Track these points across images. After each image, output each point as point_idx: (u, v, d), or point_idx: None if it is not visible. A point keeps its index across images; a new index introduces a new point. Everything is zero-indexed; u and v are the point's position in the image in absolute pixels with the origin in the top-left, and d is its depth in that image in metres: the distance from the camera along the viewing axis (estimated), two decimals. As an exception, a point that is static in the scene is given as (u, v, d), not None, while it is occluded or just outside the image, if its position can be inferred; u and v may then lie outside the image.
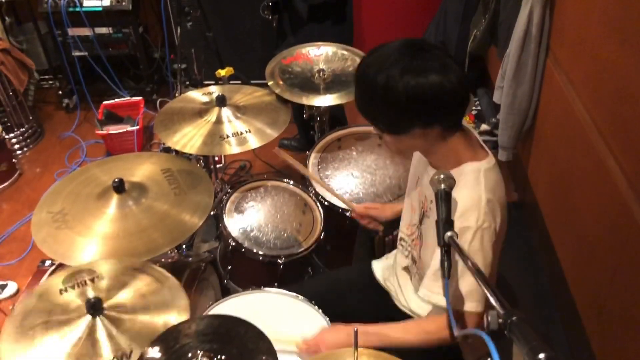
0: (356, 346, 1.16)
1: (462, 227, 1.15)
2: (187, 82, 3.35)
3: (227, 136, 1.94)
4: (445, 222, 1.05)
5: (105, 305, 1.29)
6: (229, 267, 1.92)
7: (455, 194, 1.15)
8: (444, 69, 1.12)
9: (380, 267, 1.64)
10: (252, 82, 2.92)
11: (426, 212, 1.33)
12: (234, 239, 1.83)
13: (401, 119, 1.18)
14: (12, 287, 2.42)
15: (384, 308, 1.56)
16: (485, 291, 0.92)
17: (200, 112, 2.05)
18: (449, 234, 1.04)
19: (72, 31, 3.32)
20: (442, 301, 1.20)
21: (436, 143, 1.22)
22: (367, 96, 1.19)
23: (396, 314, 1.54)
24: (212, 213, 2.08)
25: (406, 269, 1.51)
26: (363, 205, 1.70)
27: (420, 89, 1.11)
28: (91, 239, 1.53)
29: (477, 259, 1.18)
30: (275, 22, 2.67)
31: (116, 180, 1.62)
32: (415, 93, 1.12)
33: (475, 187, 1.18)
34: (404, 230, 1.49)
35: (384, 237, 1.79)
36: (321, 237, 1.86)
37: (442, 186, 1.07)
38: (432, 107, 1.15)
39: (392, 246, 1.65)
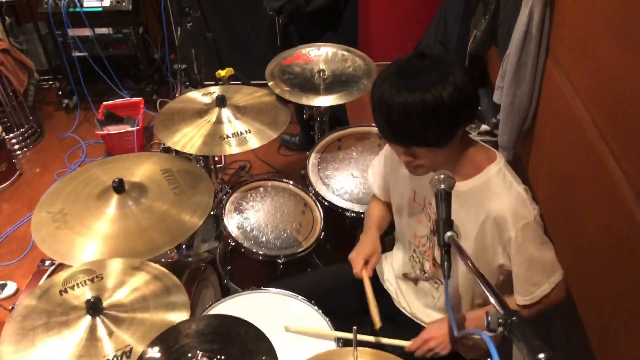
0: (356, 346, 1.16)
1: (522, 225, 1.19)
2: (187, 83, 3.35)
3: (227, 136, 1.94)
4: (445, 222, 1.06)
5: (104, 304, 1.29)
6: (229, 267, 1.92)
7: (496, 201, 1.20)
8: (463, 67, 1.16)
9: (379, 268, 1.63)
10: (252, 82, 2.92)
11: None
12: (233, 239, 1.83)
13: (455, 123, 1.17)
14: (11, 286, 2.42)
15: (384, 307, 1.56)
16: (486, 291, 0.92)
17: (200, 112, 2.05)
18: (449, 234, 1.04)
19: (72, 31, 3.32)
20: (546, 291, 1.25)
21: (457, 148, 1.24)
22: (412, 119, 1.14)
23: (395, 314, 1.54)
24: (212, 213, 2.08)
25: (406, 276, 1.51)
26: (368, 270, 1.47)
27: (467, 83, 1.14)
28: (91, 239, 1.53)
29: (549, 247, 1.25)
30: (280, 20, 2.67)
31: (116, 180, 1.62)
32: (464, 90, 1.13)
33: (509, 187, 1.22)
34: (413, 241, 1.47)
35: (383, 237, 1.79)
36: (321, 237, 1.86)
37: (442, 186, 1.08)
38: (472, 105, 1.17)
39: (391, 246, 1.65)
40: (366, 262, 1.45)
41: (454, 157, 1.25)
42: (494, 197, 1.21)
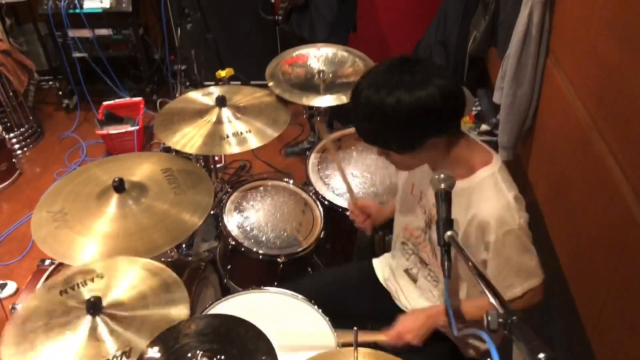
0: (356, 346, 1.16)
1: (504, 232, 1.19)
2: (187, 83, 3.35)
3: (227, 136, 1.94)
4: (445, 222, 1.06)
5: (105, 304, 1.28)
6: (229, 267, 1.92)
7: (483, 205, 1.20)
8: (444, 74, 1.15)
9: (380, 267, 1.64)
10: (252, 82, 2.92)
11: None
12: (233, 239, 1.84)
13: (416, 134, 1.18)
14: (11, 286, 2.42)
15: (385, 307, 1.57)
16: (486, 291, 0.92)
17: (201, 112, 2.05)
18: (449, 233, 1.04)
19: (72, 32, 3.32)
20: (517, 294, 1.25)
21: (445, 151, 1.24)
22: (376, 122, 1.18)
23: (397, 314, 1.54)
24: (212, 212, 2.08)
25: (407, 272, 1.51)
26: (360, 204, 1.64)
27: (431, 98, 1.12)
28: (91, 238, 1.53)
29: (530, 256, 1.24)
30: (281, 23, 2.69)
31: (116, 179, 1.62)
32: (427, 104, 1.13)
33: (499, 192, 1.21)
34: (403, 234, 1.49)
35: (383, 237, 1.79)
36: (321, 237, 1.86)
37: (442, 186, 1.08)
38: (442, 114, 1.15)
39: (390, 247, 1.65)
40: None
41: (441, 158, 1.26)
42: (481, 200, 1.22)
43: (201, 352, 1.12)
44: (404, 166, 1.31)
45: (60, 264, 1.76)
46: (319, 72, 2.23)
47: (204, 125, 1.99)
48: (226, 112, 2.03)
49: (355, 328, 1.15)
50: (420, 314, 1.38)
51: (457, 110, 1.19)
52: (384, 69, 1.19)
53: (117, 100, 3.37)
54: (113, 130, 3.16)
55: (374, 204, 1.63)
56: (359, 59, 2.29)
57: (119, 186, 1.62)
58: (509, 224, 1.19)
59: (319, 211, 1.93)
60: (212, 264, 1.93)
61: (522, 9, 1.85)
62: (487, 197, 1.21)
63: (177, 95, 3.04)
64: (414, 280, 1.49)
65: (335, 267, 1.80)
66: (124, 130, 3.15)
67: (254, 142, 1.93)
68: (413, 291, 1.51)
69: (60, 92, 3.62)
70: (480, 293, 1.39)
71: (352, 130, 2.22)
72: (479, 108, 2.68)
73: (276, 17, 2.69)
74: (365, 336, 1.35)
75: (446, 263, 1.05)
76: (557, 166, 1.81)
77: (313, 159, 2.11)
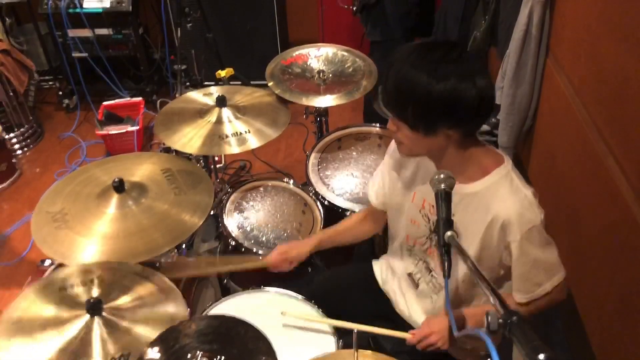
0: (356, 347, 1.16)
1: (528, 229, 1.19)
2: (187, 83, 3.35)
3: (227, 136, 1.94)
4: (445, 222, 1.06)
5: (104, 306, 1.28)
6: (229, 267, 1.92)
7: (503, 204, 1.20)
8: (485, 75, 1.14)
9: (379, 270, 1.63)
10: (252, 82, 2.92)
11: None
12: (234, 239, 1.84)
13: (433, 118, 1.17)
14: None
15: (384, 309, 1.56)
16: (486, 292, 0.92)
17: (200, 112, 2.05)
18: (449, 233, 1.04)
19: (72, 32, 3.33)
20: (547, 290, 1.26)
21: (454, 149, 1.23)
22: (402, 90, 1.17)
23: (395, 317, 1.54)
24: (212, 213, 2.07)
25: (410, 276, 1.51)
26: (277, 253, 1.59)
27: (461, 92, 1.12)
28: (91, 238, 1.53)
29: (552, 249, 1.25)
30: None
31: (116, 180, 1.62)
32: (455, 96, 1.12)
33: (516, 190, 1.22)
34: (406, 243, 1.48)
35: (383, 238, 1.79)
36: (321, 237, 1.86)
37: (442, 186, 1.08)
38: (465, 111, 1.14)
39: (385, 248, 1.64)
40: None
41: (454, 157, 1.24)
42: (500, 200, 1.21)
43: (201, 352, 1.12)
44: (408, 148, 1.27)
45: (60, 265, 1.75)
46: (319, 71, 2.23)
47: (204, 125, 1.98)
48: (226, 112, 2.03)
49: (355, 330, 1.15)
50: (444, 315, 1.36)
51: (482, 114, 1.18)
52: (433, 45, 1.17)
53: (117, 100, 3.37)
54: (113, 130, 3.16)
55: (288, 248, 1.59)
56: (359, 59, 2.29)
57: (119, 186, 1.62)
58: (532, 221, 1.19)
59: (319, 211, 1.93)
60: (212, 264, 1.93)
61: (522, 9, 1.85)
62: (505, 196, 1.21)
63: (177, 95, 3.03)
64: (416, 285, 1.49)
65: (336, 267, 1.79)
66: (124, 131, 3.15)
67: (253, 142, 1.92)
68: (413, 296, 1.50)
69: (60, 92, 3.62)
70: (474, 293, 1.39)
71: (352, 130, 2.22)
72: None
73: (352, 7, 2.73)
74: (388, 332, 1.37)
75: (446, 263, 1.05)
76: (557, 166, 1.81)
77: (313, 159, 2.11)
